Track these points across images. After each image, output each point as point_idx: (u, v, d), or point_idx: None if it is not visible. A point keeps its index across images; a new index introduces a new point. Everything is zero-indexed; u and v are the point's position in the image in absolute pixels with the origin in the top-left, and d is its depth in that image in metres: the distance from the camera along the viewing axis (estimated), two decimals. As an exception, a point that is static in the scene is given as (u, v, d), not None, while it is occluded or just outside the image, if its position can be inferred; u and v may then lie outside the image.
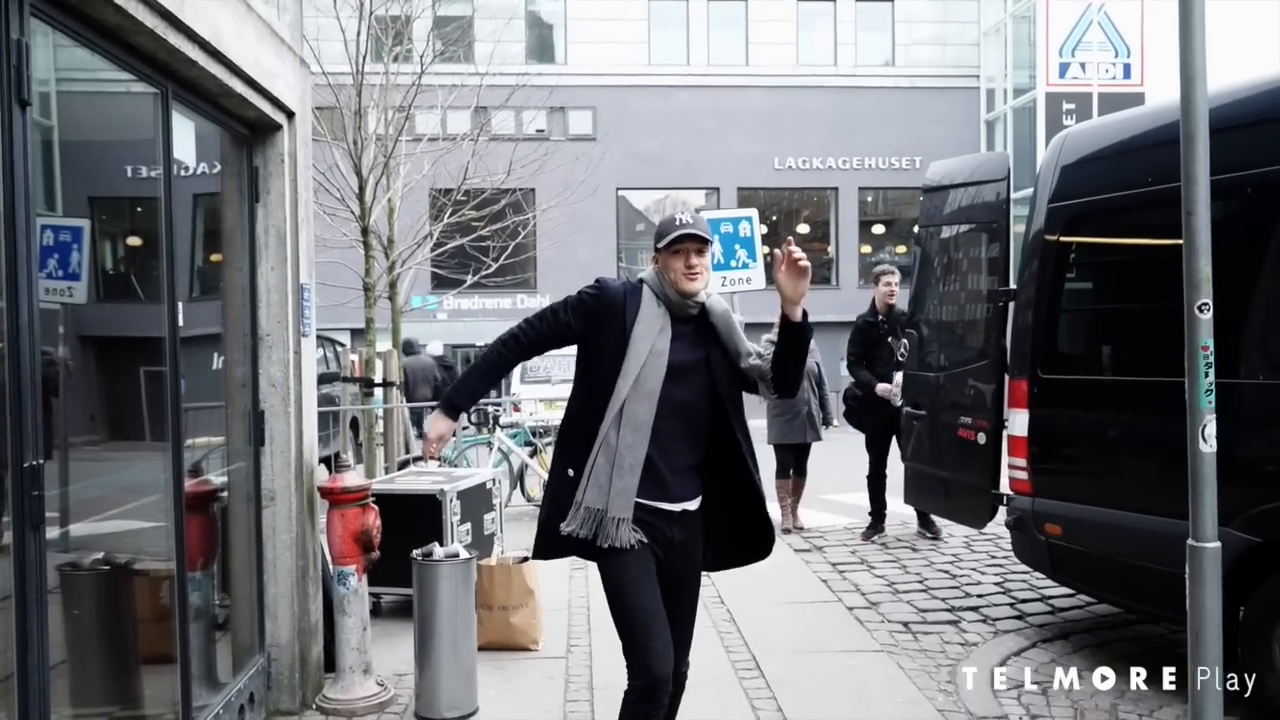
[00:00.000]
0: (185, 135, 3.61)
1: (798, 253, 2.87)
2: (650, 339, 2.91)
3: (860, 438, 7.98)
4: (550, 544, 3.04)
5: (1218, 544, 2.53)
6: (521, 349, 3.10)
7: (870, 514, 7.78)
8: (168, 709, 3.52)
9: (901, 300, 7.53)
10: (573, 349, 3.13)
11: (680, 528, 3.01)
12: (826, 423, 8.33)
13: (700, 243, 2.93)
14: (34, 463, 2.47)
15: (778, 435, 8.04)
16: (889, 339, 7.60)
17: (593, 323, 2.99)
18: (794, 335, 2.94)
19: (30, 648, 2.47)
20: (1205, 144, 2.29)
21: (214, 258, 4.35)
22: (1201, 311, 2.38)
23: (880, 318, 7.73)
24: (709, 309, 3.05)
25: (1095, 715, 4.31)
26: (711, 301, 3.07)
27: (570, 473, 2.97)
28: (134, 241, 3.94)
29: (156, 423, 3.57)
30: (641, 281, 3.04)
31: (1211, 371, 2.51)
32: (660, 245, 2.97)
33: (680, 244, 2.93)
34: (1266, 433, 4.12)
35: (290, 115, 4.24)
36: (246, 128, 4.11)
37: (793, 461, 8.25)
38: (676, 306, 2.98)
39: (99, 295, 3.43)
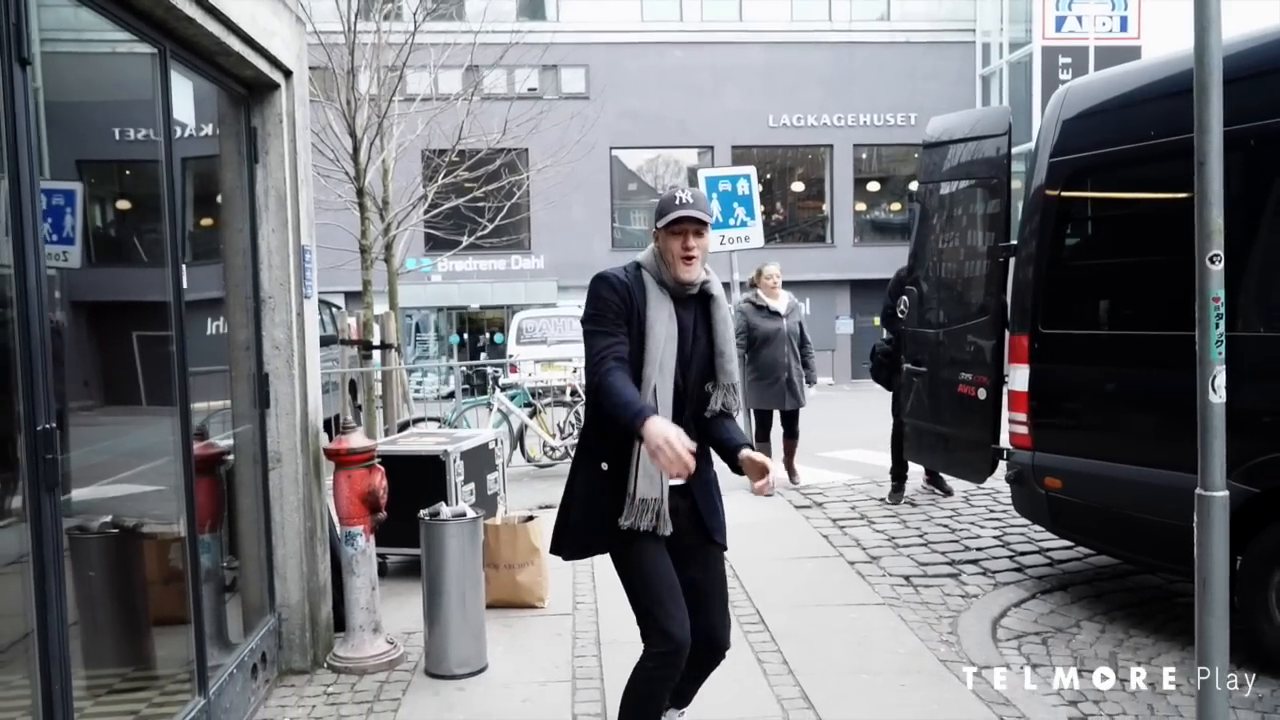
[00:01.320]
0: (184, 96, 3.57)
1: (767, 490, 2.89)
2: (663, 323, 2.91)
3: (865, 395, 7.94)
4: (581, 543, 3.04)
5: (1226, 493, 2.57)
6: (625, 364, 2.88)
7: (891, 474, 7.54)
8: (182, 669, 3.56)
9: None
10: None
11: (683, 497, 3.04)
12: (810, 381, 8.11)
13: (698, 224, 2.90)
14: (47, 426, 2.48)
15: (756, 399, 7.89)
16: None
17: (627, 316, 2.92)
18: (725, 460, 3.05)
19: (49, 607, 2.49)
20: (1219, 93, 2.28)
21: (204, 222, 4.33)
22: (1213, 263, 2.38)
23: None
24: (713, 298, 3.05)
25: (1095, 663, 4.38)
26: (717, 292, 3.07)
27: (605, 466, 2.95)
28: (132, 205, 3.91)
29: (160, 387, 3.58)
30: (639, 267, 3.00)
31: (1222, 323, 2.52)
32: (659, 225, 2.94)
33: (679, 225, 2.89)
34: (1265, 385, 4.15)
35: (288, 74, 4.20)
36: (244, 87, 4.07)
37: (773, 425, 8.14)
38: (674, 290, 2.97)
39: (90, 260, 3.40)
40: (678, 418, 2.96)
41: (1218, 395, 2.47)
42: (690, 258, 2.90)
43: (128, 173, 3.84)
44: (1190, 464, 3.68)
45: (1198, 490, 2.56)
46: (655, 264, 2.97)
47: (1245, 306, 4.23)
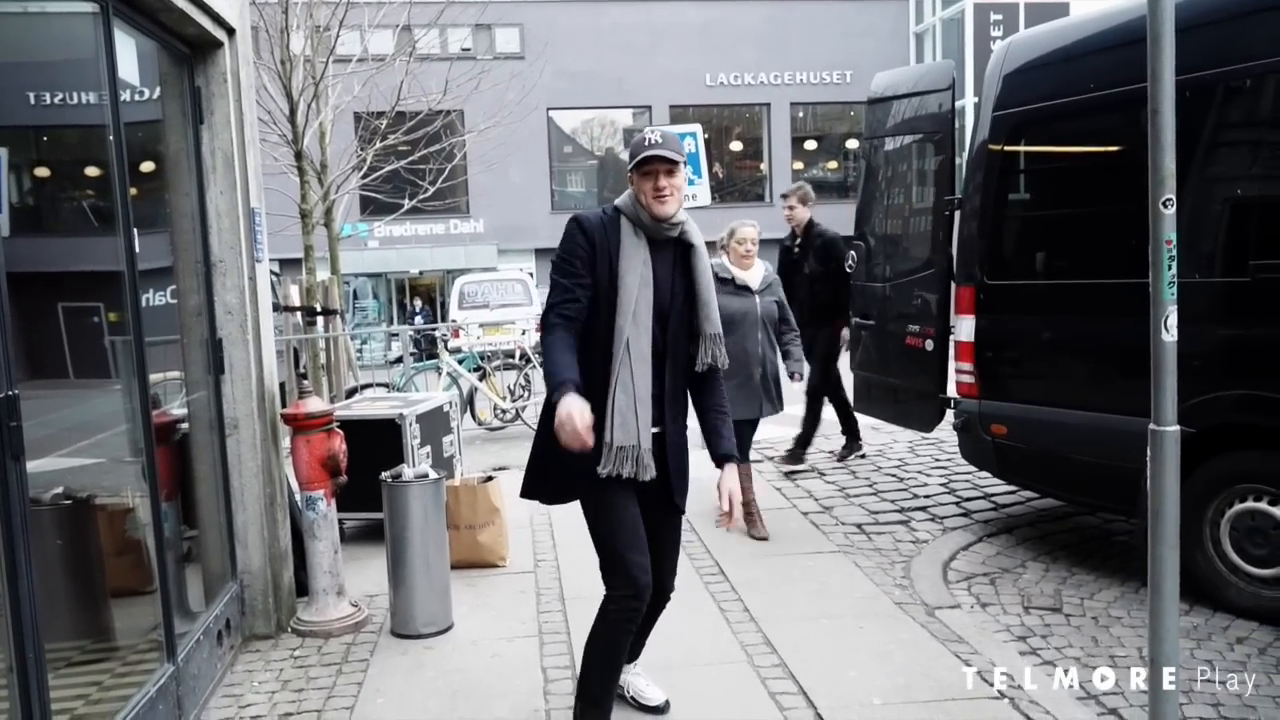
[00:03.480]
0: (127, 55, 3.45)
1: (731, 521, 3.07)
2: (637, 270, 2.92)
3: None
4: (563, 488, 3.07)
5: (1177, 427, 2.70)
6: (574, 322, 2.90)
7: (843, 433, 7.33)
8: (143, 638, 3.52)
9: (839, 220, 7.17)
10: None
11: (658, 449, 3.06)
12: (794, 375, 5.84)
13: (669, 164, 2.90)
14: (9, 393, 2.43)
15: None
16: (804, 267, 6.99)
17: (594, 263, 2.93)
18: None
19: (19, 578, 2.45)
20: (1171, 42, 2.37)
21: (131, 192, 4.22)
22: (1166, 207, 2.49)
23: (795, 240, 7.13)
24: (692, 247, 3.05)
25: (1041, 600, 4.57)
26: (696, 241, 3.06)
27: None
28: (74, 170, 3.79)
29: (112, 358, 3.51)
30: (618, 211, 3.00)
31: (1175, 265, 2.64)
32: (630, 166, 2.96)
33: (649, 165, 2.90)
34: (1199, 330, 4.32)
35: (231, 32, 4.09)
36: (187, 46, 3.96)
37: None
38: (651, 230, 2.96)
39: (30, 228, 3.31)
40: (657, 374, 2.98)
41: (1170, 334, 2.60)
42: (663, 195, 2.90)
43: (67, 137, 3.72)
44: (1128, 407, 3.83)
45: (1150, 426, 2.69)
46: (632, 206, 2.98)
47: (1179, 254, 4.38)
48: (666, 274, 3.01)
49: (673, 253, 3.04)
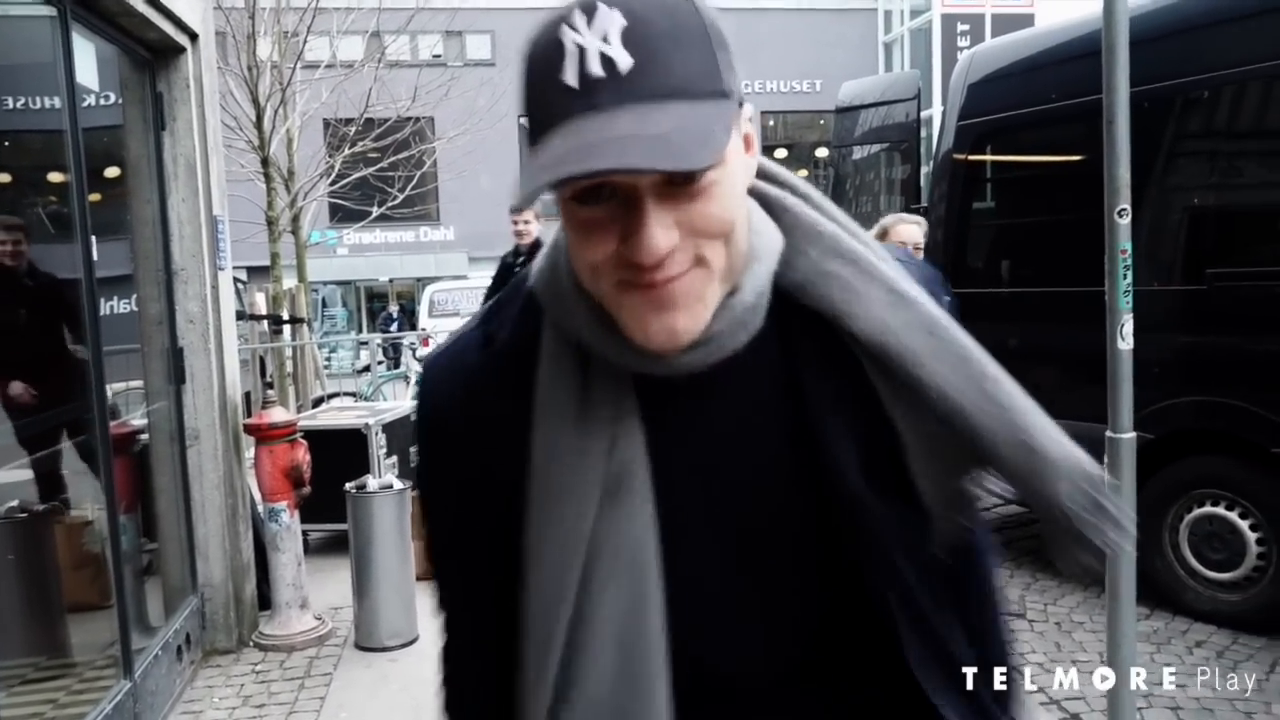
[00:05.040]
0: (86, 59, 3.41)
1: None
2: (585, 510, 0.76)
3: None
4: None
5: (1134, 434, 2.73)
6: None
7: None
8: (101, 654, 3.47)
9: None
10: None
11: None
12: None
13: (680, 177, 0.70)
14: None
15: None
16: None
17: (460, 492, 0.85)
18: None
19: (-31, 594, 2.41)
20: (1125, 53, 2.41)
21: (93, 197, 4.18)
22: (1121, 216, 2.53)
23: (519, 257, 6.23)
24: (847, 331, 0.79)
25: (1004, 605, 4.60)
26: (840, 300, 0.79)
27: None
28: (31, 176, 3.74)
29: (70, 367, 3.47)
30: (535, 311, 0.83)
31: (1130, 274, 2.68)
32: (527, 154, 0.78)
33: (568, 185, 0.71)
34: (1157, 337, 4.38)
35: (193, 37, 4.05)
36: (148, 51, 3.91)
37: None
38: (643, 364, 0.77)
39: None
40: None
41: (1125, 342, 2.64)
42: (650, 281, 0.71)
43: (26, 142, 3.67)
44: (1091, 414, 3.87)
45: (1108, 433, 2.71)
46: (561, 296, 0.81)
47: (1137, 263, 4.44)
48: (736, 431, 0.82)
49: (734, 376, 0.80)
